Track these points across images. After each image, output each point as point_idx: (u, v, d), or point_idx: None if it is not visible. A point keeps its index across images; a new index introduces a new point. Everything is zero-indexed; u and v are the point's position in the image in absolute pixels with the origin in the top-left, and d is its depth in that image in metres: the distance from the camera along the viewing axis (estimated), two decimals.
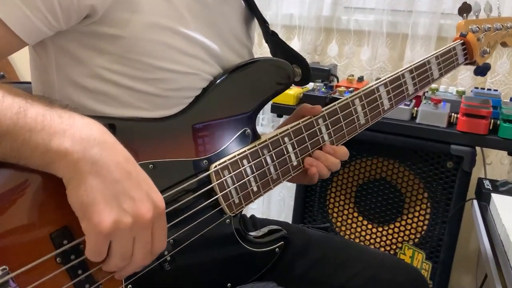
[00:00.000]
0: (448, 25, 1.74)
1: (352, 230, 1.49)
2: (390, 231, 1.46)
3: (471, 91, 1.52)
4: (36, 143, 0.53)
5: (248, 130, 0.79)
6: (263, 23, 0.91)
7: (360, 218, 1.49)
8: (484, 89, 1.54)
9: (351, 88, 1.46)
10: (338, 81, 1.68)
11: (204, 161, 0.74)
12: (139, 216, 0.56)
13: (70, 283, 0.60)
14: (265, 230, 0.85)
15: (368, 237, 1.47)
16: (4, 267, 0.55)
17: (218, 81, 0.76)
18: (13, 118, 0.53)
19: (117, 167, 0.55)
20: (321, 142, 0.85)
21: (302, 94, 1.45)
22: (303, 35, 1.90)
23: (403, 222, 1.43)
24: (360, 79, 1.58)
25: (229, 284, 0.78)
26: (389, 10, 1.78)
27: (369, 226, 1.47)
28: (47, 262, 0.59)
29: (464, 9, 1.11)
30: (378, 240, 1.46)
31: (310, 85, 1.52)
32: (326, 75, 1.62)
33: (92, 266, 0.62)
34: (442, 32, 1.74)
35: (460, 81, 1.71)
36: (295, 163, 0.83)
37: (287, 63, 0.83)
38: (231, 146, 0.77)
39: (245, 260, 0.80)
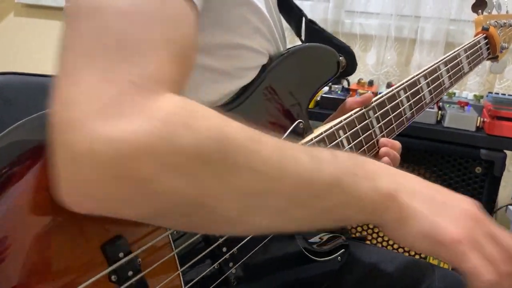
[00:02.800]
0: (455, 30, 1.70)
1: (373, 241, 1.39)
2: None
3: (486, 96, 1.47)
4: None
5: (303, 122, 0.69)
6: (299, 12, 0.83)
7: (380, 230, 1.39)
8: (498, 93, 1.49)
9: (369, 91, 1.39)
10: (349, 84, 1.61)
11: None
12: (472, 214, 0.50)
13: None
14: (324, 237, 0.75)
15: (390, 248, 1.37)
16: None
17: (274, 65, 0.67)
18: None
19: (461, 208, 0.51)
20: (374, 137, 0.77)
21: (319, 97, 1.37)
22: None
23: None
24: (370, 83, 1.53)
25: None
26: (396, 15, 1.73)
27: (386, 238, 1.38)
28: (101, 281, 0.47)
29: (479, 5, 1.07)
30: (401, 251, 1.37)
31: (325, 88, 1.43)
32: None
33: (152, 285, 0.50)
34: (449, 38, 1.71)
35: (470, 86, 1.67)
36: None
37: (335, 51, 0.74)
38: (287, 140, 0.67)
39: (308, 270, 0.69)
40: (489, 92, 1.53)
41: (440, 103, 1.37)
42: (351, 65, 0.80)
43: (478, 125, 1.26)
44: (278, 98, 0.66)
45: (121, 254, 0.47)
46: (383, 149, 0.76)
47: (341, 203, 0.46)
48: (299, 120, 0.68)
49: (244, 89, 0.64)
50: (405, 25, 1.74)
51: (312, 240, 0.73)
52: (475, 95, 1.42)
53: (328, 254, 0.72)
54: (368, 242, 1.36)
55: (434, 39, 1.69)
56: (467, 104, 1.27)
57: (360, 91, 1.39)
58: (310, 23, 0.84)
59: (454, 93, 1.44)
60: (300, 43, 0.84)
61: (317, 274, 0.70)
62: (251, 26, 0.62)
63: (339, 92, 1.39)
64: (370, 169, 0.50)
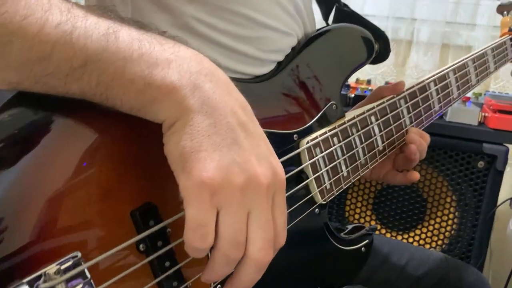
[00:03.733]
0: (450, 32, 1.73)
1: (384, 232, 1.39)
2: (411, 240, 1.37)
3: (485, 94, 1.50)
4: (133, 75, 0.38)
5: (336, 105, 0.68)
6: None
7: (378, 227, 1.39)
8: (495, 92, 1.52)
9: (370, 88, 1.40)
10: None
11: (294, 135, 0.61)
12: (254, 176, 0.40)
13: (154, 281, 0.45)
14: (348, 227, 0.73)
15: (400, 238, 1.37)
16: (75, 254, 0.39)
17: (306, 46, 0.65)
18: (101, 41, 0.37)
19: (232, 111, 0.41)
20: (404, 126, 0.76)
21: None
22: None
23: (430, 227, 1.35)
24: (369, 82, 1.54)
25: None
26: (392, 17, 1.75)
27: (387, 235, 1.38)
28: (128, 250, 0.43)
29: (505, 6, 1.09)
30: (411, 240, 1.37)
31: None
32: None
33: (180, 258, 0.47)
34: (445, 39, 1.74)
35: None
36: (380, 148, 0.72)
37: (370, 35, 0.73)
38: (319, 121, 0.65)
39: (334, 259, 0.67)
40: (487, 91, 1.56)
41: None
42: (384, 51, 0.78)
43: (480, 120, 1.28)
44: (312, 78, 0.65)
45: (151, 222, 0.44)
46: (411, 135, 0.75)
47: (100, 83, 0.38)
48: (332, 102, 0.67)
49: (277, 66, 0.63)
50: (401, 27, 1.76)
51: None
52: (474, 93, 1.45)
53: (352, 243, 0.69)
54: (377, 232, 1.36)
55: (430, 41, 1.71)
56: (468, 99, 1.29)
57: (361, 86, 1.40)
58: (344, 6, 0.82)
59: None
60: None
61: (341, 264, 0.68)
62: (278, 6, 0.60)
63: None
64: (157, 55, 0.40)
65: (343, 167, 0.66)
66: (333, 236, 0.67)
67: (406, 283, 0.84)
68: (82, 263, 0.39)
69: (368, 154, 0.69)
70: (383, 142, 0.72)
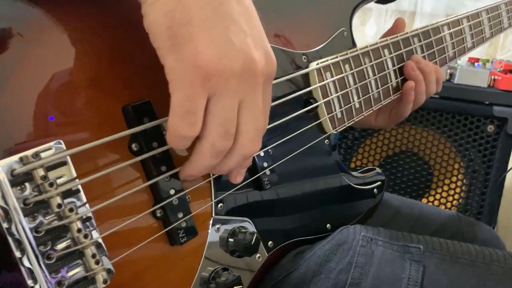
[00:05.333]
0: (454, 3, 1.69)
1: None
2: None
3: (492, 61, 1.45)
4: None
5: (347, 32, 0.63)
6: None
7: None
8: (503, 60, 1.47)
9: None
10: None
11: (303, 57, 0.57)
12: (252, 62, 0.35)
13: (147, 183, 0.41)
14: (358, 169, 0.69)
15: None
16: (58, 141, 0.35)
17: None
18: None
19: None
20: None
21: None
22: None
23: (437, 196, 1.30)
24: None
25: (328, 225, 0.60)
26: None
27: None
28: (119, 146, 0.39)
29: None
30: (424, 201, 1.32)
31: None
32: None
33: (179, 163, 0.42)
34: (449, 10, 1.69)
35: (470, 54, 1.65)
36: (394, 84, 0.67)
37: None
38: (330, 47, 0.60)
39: (345, 196, 0.62)
40: (494, 59, 1.52)
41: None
42: None
43: (489, 83, 1.23)
44: (321, 2, 0.60)
45: (145, 120, 0.40)
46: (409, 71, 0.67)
47: None
48: (343, 28, 0.62)
49: None
50: None
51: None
52: (481, 59, 1.40)
53: (364, 183, 0.65)
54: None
55: (434, 12, 1.67)
56: (477, 60, 1.24)
57: None
58: None
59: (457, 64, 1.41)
60: None
61: (352, 202, 0.63)
62: None
63: None
64: None
65: (355, 97, 0.61)
66: (345, 173, 0.62)
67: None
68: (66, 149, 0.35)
69: (381, 88, 0.64)
70: (396, 78, 0.67)
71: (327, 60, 0.57)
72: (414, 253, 0.53)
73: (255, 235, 0.48)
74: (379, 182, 0.66)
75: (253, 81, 0.36)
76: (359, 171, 0.67)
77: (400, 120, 0.72)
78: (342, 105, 0.59)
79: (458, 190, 1.27)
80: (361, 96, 0.61)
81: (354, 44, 0.64)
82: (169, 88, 0.34)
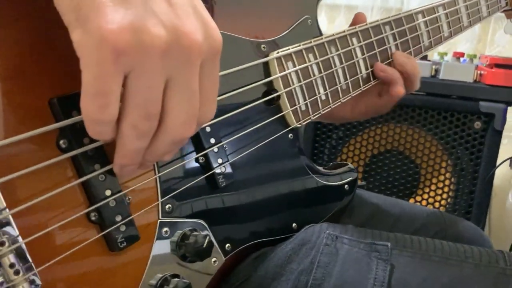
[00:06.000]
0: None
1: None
2: None
3: (479, 57, 1.42)
4: None
5: (311, 20, 0.59)
6: None
7: None
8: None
9: None
10: None
11: (262, 46, 0.53)
12: (182, 33, 0.30)
13: (72, 183, 0.36)
14: (329, 164, 0.64)
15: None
16: None
17: None
18: None
19: None
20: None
21: None
22: None
23: (424, 196, 1.26)
24: None
25: (294, 225, 0.55)
26: None
27: None
28: (45, 144, 0.35)
29: None
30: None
31: None
32: None
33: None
34: None
35: (457, 49, 1.61)
36: (364, 75, 0.63)
37: None
38: (292, 35, 0.57)
39: (312, 193, 0.58)
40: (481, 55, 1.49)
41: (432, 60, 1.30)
42: None
43: (475, 78, 1.19)
44: None
45: (74, 113, 0.36)
46: (401, 58, 0.65)
47: None
48: (307, 16, 0.58)
49: None
50: None
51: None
52: (468, 55, 1.36)
53: (333, 178, 0.60)
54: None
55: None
56: (462, 55, 1.21)
57: None
58: None
59: (446, 53, 1.38)
60: None
61: (320, 199, 0.59)
62: None
63: None
64: None
65: (321, 89, 0.57)
66: (312, 169, 0.58)
67: None
68: None
69: (350, 79, 0.61)
70: (367, 69, 0.63)
71: (288, 49, 0.54)
72: (381, 251, 0.49)
73: (208, 238, 0.44)
74: (351, 178, 0.62)
75: (184, 57, 0.31)
76: (330, 166, 0.63)
77: (380, 113, 0.68)
78: (307, 97, 0.55)
79: (446, 189, 1.23)
80: (327, 88, 0.58)
81: (320, 33, 0.60)
82: (80, 66, 0.30)
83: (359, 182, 1.15)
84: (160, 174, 0.43)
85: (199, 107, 0.34)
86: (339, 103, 0.60)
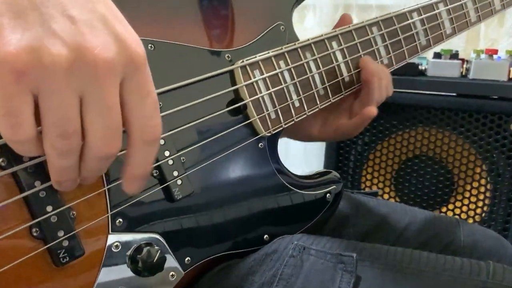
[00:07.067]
0: None
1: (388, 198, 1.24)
2: None
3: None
4: None
5: (284, 26, 0.57)
6: None
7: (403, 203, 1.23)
8: None
9: None
10: None
11: (226, 55, 0.52)
12: (85, 49, 0.30)
13: (15, 197, 0.37)
14: (311, 171, 0.62)
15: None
16: None
17: None
18: None
19: None
20: (377, 56, 0.63)
21: None
22: (317, 11, 1.72)
23: (458, 204, 1.18)
24: None
25: (266, 236, 0.54)
26: None
27: None
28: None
29: None
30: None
31: None
32: None
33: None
34: None
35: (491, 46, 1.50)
36: (346, 79, 0.60)
37: None
38: (261, 43, 0.55)
39: (286, 203, 0.55)
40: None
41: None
42: None
43: (510, 76, 1.10)
44: None
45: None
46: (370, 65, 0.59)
47: None
48: (279, 22, 0.56)
49: None
50: None
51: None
52: (507, 51, 1.26)
53: (312, 188, 0.58)
54: (380, 197, 1.21)
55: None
56: (495, 52, 1.12)
57: None
58: None
59: (482, 51, 1.29)
60: None
61: (295, 210, 0.57)
62: None
63: None
64: None
65: (294, 95, 0.55)
66: (286, 177, 0.55)
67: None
68: None
69: (329, 83, 0.58)
70: (349, 72, 0.60)
71: (255, 57, 0.52)
72: (347, 262, 0.46)
73: (159, 252, 0.43)
74: (333, 187, 0.59)
75: (90, 73, 0.31)
76: (313, 175, 0.60)
77: (349, 136, 0.65)
78: (277, 104, 0.54)
79: (481, 197, 1.14)
80: (301, 94, 0.55)
81: (296, 39, 0.58)
82: None
83: (374, 189, 1.10)
84: (108, 186, 0.43)
85: (133, 123, 0.34)
86: (317, 109, 0.57)
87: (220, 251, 0.50)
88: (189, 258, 0.48)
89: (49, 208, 0.39)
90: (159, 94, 0.44)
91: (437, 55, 1.17)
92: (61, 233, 0.40)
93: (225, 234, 0.51)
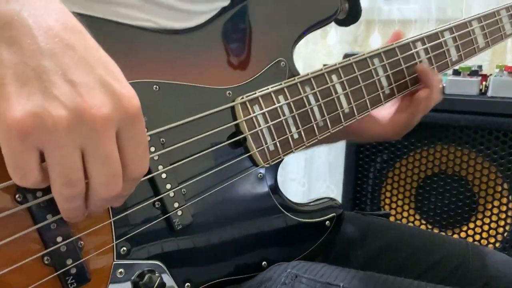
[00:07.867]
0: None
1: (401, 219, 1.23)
2: (461, 236, 1.19)
3: None
4: None
5: (284, 62, 0.60)
6: None
7: (423, 221, 1.23)
8: None
9: None
10: None
11: (228, 92, 0.55)
12: (83, 109, 0.35)
13: (29, 229, 0.42)
14: (311, 199, 0.64)
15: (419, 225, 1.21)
16: None
17: None
18: None
19: (47, 34, 0.36)
20: (379, 88, 0.65)
21: None
22: (339, 28, 1.74)
23: (478, 222, 1.16)
24: None
25: (264, 263, 0.56)
26: None
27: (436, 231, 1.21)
28: (5, 198, 0.41)
29: None
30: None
31: None
32: None
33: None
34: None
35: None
36: (346, 110, 0.62)
37: None
38: (262, 79, 0.58)
39: (285, 231, 0.58)
40: None
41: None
42: (354, 11, 0.70)
43: None
44: (256, 30, 0.58)
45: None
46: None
47: None
48: (280, 58, 0.59)
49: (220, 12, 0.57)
50: (448, 4, 1.60)
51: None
52: None
53: (311, 215, 0.60)
54: (392, 219, 1.21)
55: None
56: None
57: None
58: None
59: (503, 66, 1.27)
60: None
61: (294, 237, 0.59)
62: None
63: None
64: None
65: (293, 128, 0.58)
66: (285, 206, 0.58)
67: (413, 273, 0.72)
68: None
69: (329, 115, 0.60)
70: (349, 105, 0.62)
71: (255, 93, 0.55)
72: None
73: (159, 278, 0.47)
74: (333, 214, 0.61)
75: (89, 129, 0.36)
76: (310, 202, 0.63)
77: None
78: (275, 137, 0.56)
79: (503, 216, 1.12)
80: (300, 126, 0.58)
81: (296, 73, 0.61)
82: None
83: (386, 210, 1.10)
84: (114, 218, 0.47)
85: (128, 166, 0.39)
86: (316, 139, 0.60)
87: (218, 277, 0.53)
88: (189, 284, 0.51)
89: (59, 239, 0.43)
90: (162, 131, 0.49)
91: (456, 73, 1.16)
92: (69, 261, 0.44)
93: (224, 261, 0.54)
